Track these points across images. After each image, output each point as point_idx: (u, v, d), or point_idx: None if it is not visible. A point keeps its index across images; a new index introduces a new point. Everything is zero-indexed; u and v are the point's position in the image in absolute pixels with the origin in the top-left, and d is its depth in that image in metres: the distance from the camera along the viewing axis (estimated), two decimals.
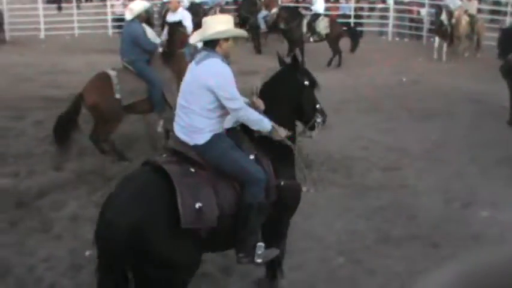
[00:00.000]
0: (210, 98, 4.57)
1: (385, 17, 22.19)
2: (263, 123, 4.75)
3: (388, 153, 8.95)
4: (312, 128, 5.30)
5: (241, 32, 5.37)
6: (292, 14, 17.22)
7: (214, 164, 4.60)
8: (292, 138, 5.06)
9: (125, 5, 23.29)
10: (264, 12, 19.09)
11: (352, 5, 22.51)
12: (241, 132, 4.94)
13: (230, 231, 4.58)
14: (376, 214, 6.86)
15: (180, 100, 4.75)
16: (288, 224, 5.25)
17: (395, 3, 21.98)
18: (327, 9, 19.36)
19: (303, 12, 17.36)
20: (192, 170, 4.50)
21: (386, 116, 11.02)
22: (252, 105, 4.89)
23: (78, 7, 24.74)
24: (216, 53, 4.69)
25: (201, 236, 4.38)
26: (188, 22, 10.62)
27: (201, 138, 4.62)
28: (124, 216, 4.15)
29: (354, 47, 16.52)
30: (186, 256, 4.35)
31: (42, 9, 23.28)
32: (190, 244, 4.34)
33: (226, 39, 4.75)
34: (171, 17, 11.29)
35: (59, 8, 26.09)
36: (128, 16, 8.85)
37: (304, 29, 16.52)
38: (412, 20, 21.87)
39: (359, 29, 21.17)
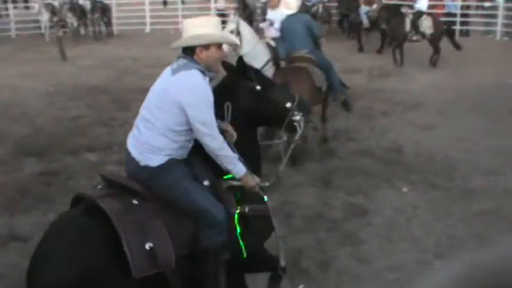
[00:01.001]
0: (179, 119, 3.86)
1: (494, 16, 21.33)
2: (238, 166, 3.97)
3: (492, 157, 8.63)
4: (293, 129, 4.57)
5: (224, 38, 4.43)
6: (393, 13, 16.89)
7: (162, 194, 3.89)
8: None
9: (227, 0, 23.82)
10: (365, 8, 18.85)
11: (459, 3, 21.78)
12: (195, 151, 4.14)
13: (189, 274, 3.94)
14: (477, 219, 6.64)
15: (143, 111, 4.02)
16: (262, 253, 4.48)
17: (506, 1, 21.07)
18: (431, 7, 18.87)
19: (405, 10, 16.98)
20: (135, 202, 3.79)
21: (491, 118, 10.62)
22: (223, 133, 4.11)
23: (183, 2, 25.35)
24: (196, 62, 3.95)
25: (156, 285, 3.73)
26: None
27: (155, 160, 3.88)
28: (60, 280, 3.36)
29: (456, 45, 15.99)
30: None
31: (148, 4, 24.03)
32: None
33: (206, 47, 3.96)
34: (270, 15, 11.07)
35: (164, 3, 26.85)
36: (288, 11, 9.39)
37: (407, 27, 16.16)
38: None
39: (465, 28, 20.54)
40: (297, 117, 4.46)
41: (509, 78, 13.89)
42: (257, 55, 9.23)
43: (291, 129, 4.56)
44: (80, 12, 21.65)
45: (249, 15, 21.40)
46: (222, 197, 4.05)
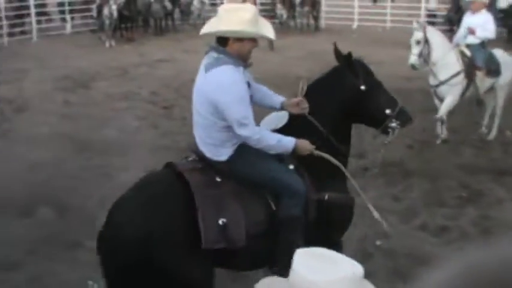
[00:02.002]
0: (221, 115, 3.85)
1: None
2: (282, 146, 3.97)
3: None
4: (385, 133, 4.59)
5: (260, 34, 4.01)
6: None
7: (243, 176, 3.98)
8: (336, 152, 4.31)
9: (439, 1, 23.04)
10: None
11: None
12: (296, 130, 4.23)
13: (259, 251, 3.97)
14: None
15: (194, 110, 4.09)
16: (338, 245, 4.21)
17: None
18: None
19: None
20: (218, 179, 3.94)
21: None
22: (292, 104, 4.24)
23: (393, 0, 24.95)
24: (228, 55, 3.85)
25: (224, 256, 3.83)
26: (490, 25, 9.31)
27: (223, 154, 3.97)
28: (133, 226, 3.65)
29: None
30: (201, 279, 3.81)
31: (358, 0, 24.00)
32: (209, 265, 3.84)
33: (240, 39, 3.87)
34: (469, 20, 9.68)
35: (374, 0, 26.60)
36: None
37: None
38: None
39: None
40: (393, 124, 4.47)
41: None
42: (446, 64, 8.83)
43: (384, 132, 4.59)
44: (289, 4, 22.22)
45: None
46: (304, 181, 4.12)
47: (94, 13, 19.98)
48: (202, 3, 23.15)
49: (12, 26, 20.34)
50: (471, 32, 9.14)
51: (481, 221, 6.64)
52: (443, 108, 8.81)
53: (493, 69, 9.08)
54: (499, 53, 9.39)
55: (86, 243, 6.02)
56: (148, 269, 3.62)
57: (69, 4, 22.59)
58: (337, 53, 4.42)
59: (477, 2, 9.51)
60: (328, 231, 4.25)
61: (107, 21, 19.23)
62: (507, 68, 9.18)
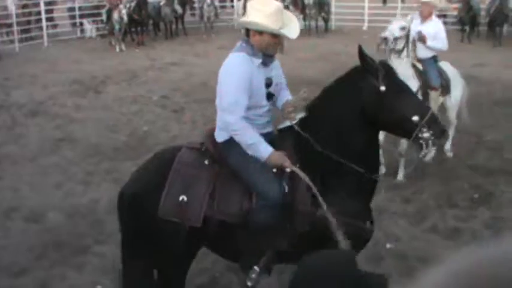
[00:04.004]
0: (220, 93, 4.07)
1: None
2: (257, 150, 3.94)
3: None
4: (419, 146, 4.04)
5: (275, 30, 4.01)
6: None
7: (229, 165, 4.11)
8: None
9: (450, 1, 22.89)
10: None
11: None
12: (291, 138, 4.14)
13: (236, 241, 4.11)
14: None
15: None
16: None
17: None
18: None
19: None
20: (206, 162, 4.15)
21: None
22: (285, 107, 4.21)
23: (403, 1, 24.85)
24: (248, 44, 4.04)
25: (193, 232, 4.04)
26: (443, 35, 8.16)
27: (220, 136, 4.15)
28: (128, 187, 4.24)
29: None
30: (172, 242, 4.09)
31: (368, 2, 23.92)
32: (182, 233, 4.04)
33: (260, 32, 3.99)
34: (418, 27, 8.15)
35: (384, 2, 26.51)
36: None
37: None
38: None
39: None
40: (425, 135, 3.97)
41: None
42: (404, 78, 6.83)
43: (417, 145, 4.07)
44: (301, 7, 22.17)
45: (473, 17, 20.44)
46: (296, 188, 3.99)
47: (104, 18, 20.07)
48: (213, 6, 23.18)
49: (23, 31, 20.48)
50: (422, 39, 7.91)
51: (494, 222, 6.56)
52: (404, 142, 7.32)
53: (445, 87, 8.11)
54: (446, 67, 8.39)
55: (94, 248, 6.02)
56: (139, 226, 4.16)
57: (80, 9, 22.70)
58: (361, 54, 4.03)
59: (429, 4, 8.26)
60: (315, 246, 3.98)
61: (117, 26, 19.30)
62: (456, 84, 8.28)
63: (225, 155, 4.11)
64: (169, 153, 4.32)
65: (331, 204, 3.87)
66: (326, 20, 23.18)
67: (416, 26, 7.99)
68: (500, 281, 0.71)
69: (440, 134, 4.07)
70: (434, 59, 8.19)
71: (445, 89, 8.10)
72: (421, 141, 4.00)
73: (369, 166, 4.11)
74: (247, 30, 4.12)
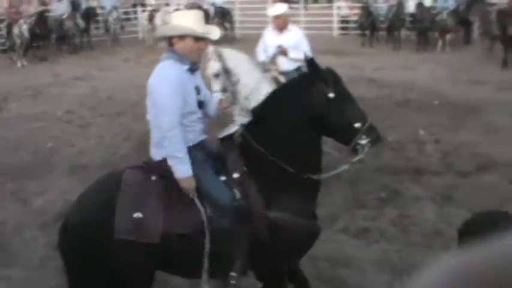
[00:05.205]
0: (152, 99, 4.03)
1: None
2: (178, 166, 3.97)
3: None
4: (354, 152, 4.24)
5: (194, 32, 4.10)
6: None
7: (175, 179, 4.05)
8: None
9: (351, 8, 23.63)
10: None
11: None
12: (235, 144, 4.24)
13: (196, 257, 3.99)
14: None
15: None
16: (285, 267, 4.37)
17: None
18: None
19: None
20: (154, 178, 4.07)
21: None
22: (220, 104, 4.32)
23: (305, 8, 25.39)
24: (172, 52, 4.08)
25: (152, 251, 3.91)
26: (305, 44, 7.92)
27: (157, 154, 4.10)
28: (74, 215, 4.02)
29: None
30: (132, 268, 3.92)
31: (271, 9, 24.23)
32: (139, 254, 3.91)
33: (182, 38, 4.06)
34: (276, 37, 7.99)
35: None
36: None
37: None
38: None
39: None
40: (363, 141, 4.17)
41: None
42: (260, 95, 6.36)
43: (354, 150, 4.24)
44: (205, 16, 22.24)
45: (373, 22, 21.16)
46: (247, 193, 4.05)
47: (3, 33, 19.40)
48: (118, 19, 22.91)
49: None
50: (283, 53, 7.64)
51: (400, 220, 6.80)
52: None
53: None
54: None
55: (0, 271, 5.80)
56: (91, 256, 3.91)
57: None
58: (311, 61, 4.20)
59: (282, 17, 7.94)
60: (275, 251, 4.14)
61: (18, 41, 18.69)
62: None
63: (168, 172, 4.02)
64: (113, 177, 4.21)
65: (280, 206, 4.06)
66: (230, 29, 23.35)
67: (272, 40, 7.79)
68: (500, 277, 0.70)
69: (377, 140, 4.25)
70: (299, 71, 7.66)
71: None
72: (358, 146, 4.18)
73: (313, 169, 4.25)
74: (170, 41, 4.16)
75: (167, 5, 24.32)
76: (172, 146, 3.93)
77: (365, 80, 14.21)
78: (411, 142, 9.64)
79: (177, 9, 23.24)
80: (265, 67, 7.69)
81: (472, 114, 11.37)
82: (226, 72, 6.93)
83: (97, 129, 11.10)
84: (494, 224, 2.31)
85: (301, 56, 7.22)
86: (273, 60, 7.60)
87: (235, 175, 4.08)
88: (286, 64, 7.73)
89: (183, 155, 3.95)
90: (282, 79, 7.56)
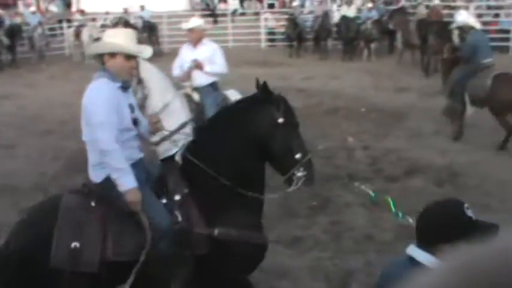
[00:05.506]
0: (89, 120, 3.95)
1: None
2: (122, 179, 3.87)
3: None
4: (289, 182, 4.28)
5: (125, 49, 4.09)
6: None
7: (120, 205, 3.95)
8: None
9: (277, 19, 23.94)
10: None
11: None
12: (176, 165, 4.29)
13: (142, 283, 3.96)
14: None
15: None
16: (240, 283, 4.43)
17: None
18: (485, 23, 18.56)
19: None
20: (93, 204, 3.98)
21: None
22: (150, 119, 4.31)
23: (233, 20, 25.55)
24: (104, 70, 4.06)
25: (92, 280, 3.85)
26: (219, 58, 7.70)
27: (97, 176, 4.03)
28: (12, 243, 3.93)
29: None
30: None
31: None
32: (81, 285, 3.85)
33: (113, 55, 4.03)
34: (190, 52, 7.76)
35: (215, 21, 27.07)
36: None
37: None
38: None
39: None
40: (299, 174, 4.22)
41: None
42: (170, 113, 6.24)
43: (288, 181, 4.28)
44: None
45: (299, 33, 21.49)
46: (188, 215, 4.05)
47: None
48: (44, 35, 22.46)
49: None
50: (198, 67, 7.40)
51: (332, 227, 6.91)
52: None
53: None
54: (233, 95, 7.65)
55: None
56: (28, 286, 3.84)
57: None
58: (263, 85, 4.22)
59: (195, 30, 7.78)
60: (224, 268, 4.16)
61: None
62: None
63: (111, 195, 3.95)
64: (51, 202, 4.14)
65: (226, 222, 4.08)
66: (156, 43, 23.25)
67: (187, 54, 7.60)
68: (500, 275, 0.70)
69: (311, 178, 4.33)
70: (214, 86, 7.67)
71: None
72: (294, 177, 4.21)
73: (257, 188, 4.28)
74: (100, 58, 4.12)
75: (93, 20, 24.01)
76: (113, 160, 3.85)
77: (294, 90, 14.36)
78: (340, 149, 9.83)
79: (103, 25, 23.06)
80: (179, 84, 7.56)
81: (397, 120, 11.73)
82: (139, 82, 6.43)
83: (25, 149, 10.80)
84: (447, 213, 2.47)
85: (216, 69, 7.49)
86: (188, 74, 7.46)
87: (177, 197, 4.07)
88: (201, 79, 7.55)
89: (126, 166, 3.89)
90: (196, 95, 7.47)
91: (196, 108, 7.20)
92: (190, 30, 7.82)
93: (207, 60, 7.49)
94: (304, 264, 6.02)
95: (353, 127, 11.15)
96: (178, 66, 7.71)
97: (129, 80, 4.23)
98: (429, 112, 11.75)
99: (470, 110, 10.00)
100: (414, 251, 2.50)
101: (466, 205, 2.47)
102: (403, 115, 12.08)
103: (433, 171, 8.69)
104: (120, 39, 4.09)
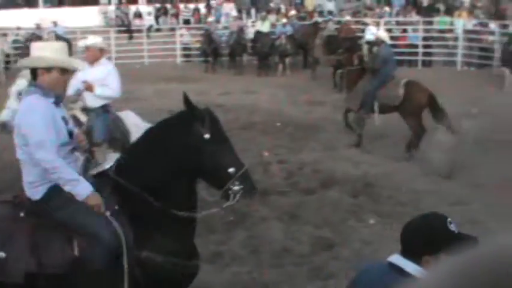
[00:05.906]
0: (27, 140, 3.87)
1: (454, 47, 21.69)
2: (76, 188, 3.87)
3: (457, 188, 8.71)
4: (226, 197, 4.21)
5: (65, 63, 4.06)
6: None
7: (54, 218, 3.94)
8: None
9: (193, 35, 23.92)
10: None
11: (421, 34, 22.14)
12: (109, 180, 4.18)
13: None
14: None
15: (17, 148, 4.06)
16: None
17: (465, 32, 21.53)
18: (394, 38, 19.22)
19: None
20: (22, 215, 3.96)
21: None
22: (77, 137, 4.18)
23: (148, 36, 25.34)
24: (37, 86, 3.95)
25: None
26: (112, 80, 7.16)
27: (35, 193, 3.95)
28: None
29: None
30: None
31: (114, 39, 23.95)
32: None
33: (48, 70, 3.93)
34: (86, 70, 6.64)
35: (130, 38, 26.77)
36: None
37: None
38: (482, 48, 21.33)
39: (428, 58, 21.05)
40: (236, 188, 4.13)
41: (472, 107, 14.07)
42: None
43: (225, 196, 4.20)
44: None
45: (215, 49, 21.55)
46: (122, 231, 3.97)
47: None
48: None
49: None
50: (89, 88, 6.94)
51: (250, 241, 6.93)
52: None
53: (118, 140, 7.06)
54: (129, 117, 7.52)
55: None
56: None
57: None
58: (186, 100, 4.15)
59: (91, 48, 7.28)
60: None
61: None
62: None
63: (45, 211, 3.92)
64: None
65: (153, 246, 3.99)
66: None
67: (83, 74, 6.64)
68: (498, 277, 0.71)
69: (250, 190, 4.22)
70: (105, 109, 7.28)
71: (118, 142, 6.99)
72: (230, 192, 4.13)
73: (187, 207, 4.21)
74: (34, 73, 4.01)
75: (5, 35, 23.14)
76: (63, 174, 3.81)
77: (211, 105, 14.24)
78: (257, 164, 9.87)
79: (15, 40, 22.31)
80: (68, 105, 6.49)
81: (312, 133, 11.94)
82: None
83: None
84: (429, 225, 2.59)
85: (106, 93, 7.06)
86: (78, 95, 6.99)
87: (107, 213, 3.98)
88: (92, 101, 7.12)
89: (76, 176, 3.88)
90: (83, 117, 7.15)
91: (85, 131, 6.56)
92: (87, 48, 7.40)
93: (99, 81, 7.03)
94: (223, 279, 6.01)
95: (269, 141, 11.26)
96: (74, 85, 6.86)
97: (62, 94, 4.15)
98: (342, 125, 12.02)
99: (378, 119, 10.43)
100: (401, 260, 2.58)
101: (448, 219, 2.59)
102: (318, 128, 12.31)
103: (348, 183, 8.87)
104: (54, 52, 4.03)
